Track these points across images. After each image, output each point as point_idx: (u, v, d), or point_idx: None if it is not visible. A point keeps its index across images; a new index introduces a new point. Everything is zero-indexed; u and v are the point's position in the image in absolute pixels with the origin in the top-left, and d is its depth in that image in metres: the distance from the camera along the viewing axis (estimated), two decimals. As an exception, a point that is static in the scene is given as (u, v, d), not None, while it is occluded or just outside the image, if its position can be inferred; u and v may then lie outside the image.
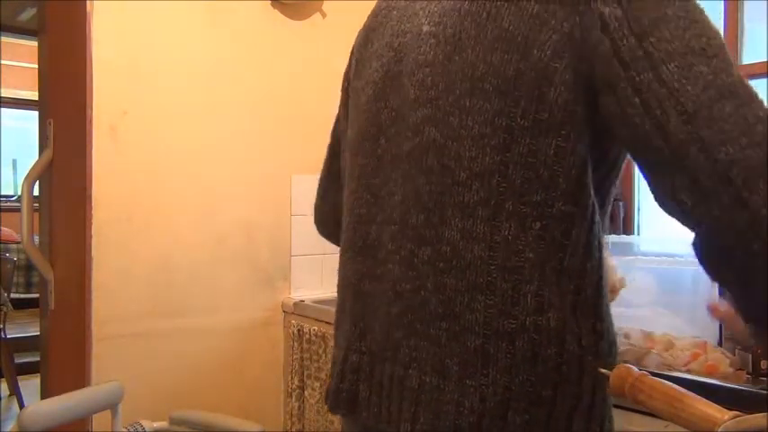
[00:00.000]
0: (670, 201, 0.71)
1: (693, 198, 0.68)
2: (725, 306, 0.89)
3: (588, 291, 0.79)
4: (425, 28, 0.87)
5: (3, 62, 5.68)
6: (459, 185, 0.80)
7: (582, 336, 0.78)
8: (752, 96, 0.69)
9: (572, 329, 0.78)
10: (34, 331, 2.97)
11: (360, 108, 0.97)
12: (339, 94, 1.11)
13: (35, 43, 2.52)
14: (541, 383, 0.77)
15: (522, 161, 0.77)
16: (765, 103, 0.70)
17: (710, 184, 0.66)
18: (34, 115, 2.54)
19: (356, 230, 0.94)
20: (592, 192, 0.79)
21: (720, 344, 1.46)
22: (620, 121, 0.74)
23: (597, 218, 0.80)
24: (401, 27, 0.92)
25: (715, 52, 0.72)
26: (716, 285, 1.48)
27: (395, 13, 0.95)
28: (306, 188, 2.41)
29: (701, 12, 0.77)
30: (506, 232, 0.78)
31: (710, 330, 1.52)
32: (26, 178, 2.18)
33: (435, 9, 0.87)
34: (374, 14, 1.01)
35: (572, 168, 0.77)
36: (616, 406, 1.26)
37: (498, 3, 0.80)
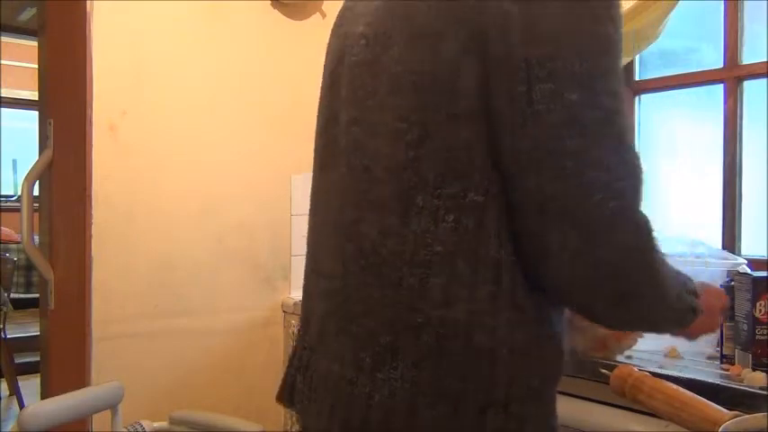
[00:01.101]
0: None
1: (516, 217, 0.81)
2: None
3: (506, 280, 0.78)
4: (359, 29, 0.89)
5: (3, 62, 5.68)
6: (376, 182, 0.82)
7: (496, 328, 0.78)
8: (606, 135, 0.77)
9: (482, 322, 0.78)
10: (34, 331, 2.97)
11: (317, 111, 1.01)
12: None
13: (35, 43, 2.52)
14: (449, 377, 0.77)
15: (435, 155, 0.78)
16: (621, 139, 0.77)
17: (530, 210, 0.79)
18: (34, 115, 2.54)
19: (309, 229, 0.99)
20: (503, 182, 0.79)
21: (721, 340, 1.46)
22: (500, 124, 0.78)
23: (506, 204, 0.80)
24: (346, 29, 0.95)
25: (595, 77, 0.76)
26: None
27: (348, 13, 0.98)
28: (306, 188, 2.41)
29: (605, 23, 0.76)
30: (416, 226, 0.79)
31: (710, 330, 1.52)
32: (26, 178, 2.18)
33: (368, 10, 0.89)
34: (338, 15, 1.04)
35: (480, 159, 0.78)
36: (616, 406, 1.26)
37: (411, 4, 0.82)
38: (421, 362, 0.78)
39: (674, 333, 0.98)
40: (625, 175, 0.76)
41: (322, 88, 0.99)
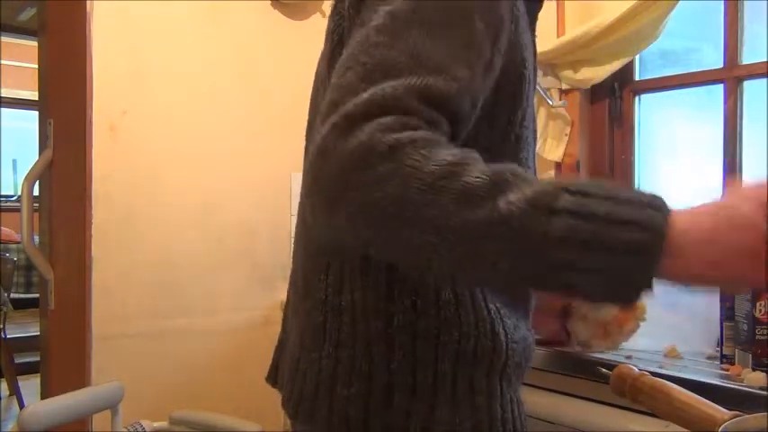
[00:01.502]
0: None
1: None
2: None
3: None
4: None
5: (3, 62, 5.68)
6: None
7: (395, 314, 0.79)
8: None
9: (378, 308, 0.80)
10: (34, 331, 2.96)
11: None
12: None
13: (35, 43, 2.52)
14: (360, 358, 0.80)
15: None
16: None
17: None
18: (34, 115, 2.54)
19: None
20: None
21: (721, 340, 1.46)
22: None
23: None
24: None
25: (357, 63, 0.70)
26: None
27: None
28: (306, 188, 2.42)
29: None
30: None
31: (710, 325, 1.52)
32: (26, 178, 2.18)
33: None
34: None
35: None
36: (616, 406, 1.26)
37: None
38: (341, 342, 0.82)
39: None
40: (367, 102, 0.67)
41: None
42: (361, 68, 0.68)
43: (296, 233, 0.96)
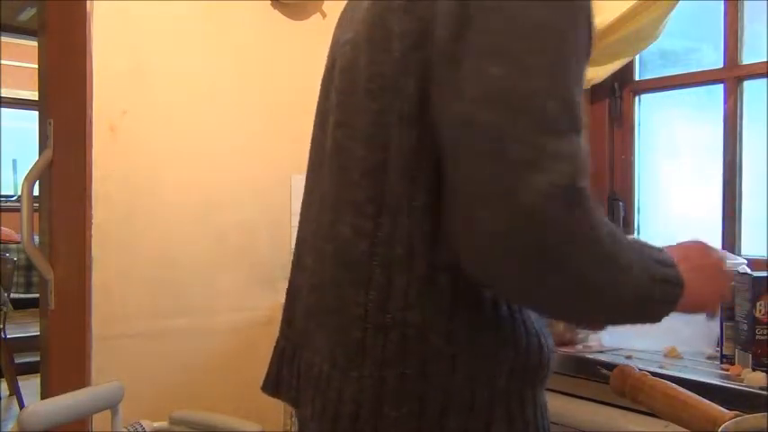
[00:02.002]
0: None
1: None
2: None
3: (464, 282, 0.78)
4: (348, 35, 0.91)
5: (3, 62, 5.68)
6: (352, 184, 0.83)
7: (453, 331, 0.78)
8: (527, 111, 0.70)
9: (439, 326, 0.78)
10: (34, 331, 2.96)
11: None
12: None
13: (35, 43, 2.52)
14: (412, 379, 0.78)
15: (396, 157, 0.79)
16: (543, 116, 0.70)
17: (452, 199, 0.76)
18: (34, 115, 2.54)
19: (298, 225, 1.02)
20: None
21: (721, 340, 1.46)
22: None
23: None
24: (338, 34, 0.97)
25: (522, 53, 0.71)
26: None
27: (345, 16, 1.00)
28: (306, 188, 2.42)
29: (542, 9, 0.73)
30: (386, 228, 0.80)
31: (710, 329, 1.52)
32: (26, 178, 2.18)
33: (357, 15, 0.90)
34: (339, 17, 1.05)
35: (429, 161, 0.78)
36: (616, 406, 1.26)
37: (385, 3, 0.82)
38: (387, 361, 0.79)
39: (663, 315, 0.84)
40: (554, 151, 0.69)
41: (319, 93, 1.02)
42: (563, 106, 0.70)
43: (317, 241, 0.91)
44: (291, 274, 1.02)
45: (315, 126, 1.00)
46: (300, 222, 1.01)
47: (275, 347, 1.02)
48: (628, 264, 0.74)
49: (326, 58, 1.01)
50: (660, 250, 0.82)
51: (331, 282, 0.85)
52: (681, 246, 0.89)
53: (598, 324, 0.90)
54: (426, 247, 0.78)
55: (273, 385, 0.99)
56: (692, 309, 0.86)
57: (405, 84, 0.78)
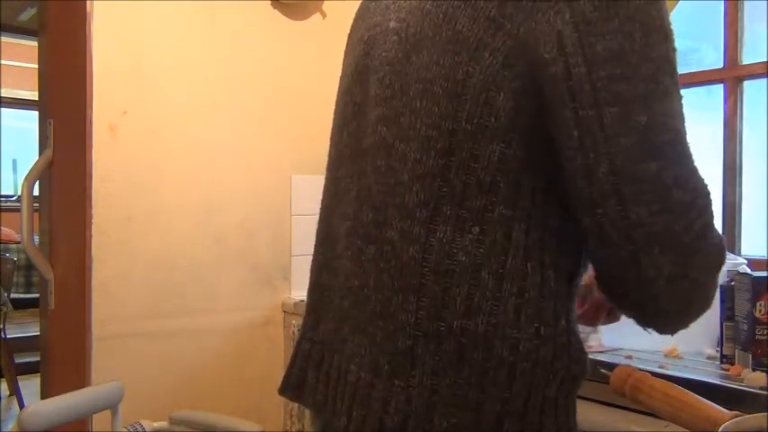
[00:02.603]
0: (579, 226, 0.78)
1: (596, 242, 0.77)
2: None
3: (531, 293, 0.77)
4: (392, 24, 0.87)
5: (3, 62, 5.68)
6: (401, 186, 0.81)
7: (520, 341, 0.77)
8: (680, 156, 0.74)
9: (504, 335, 0.77)
10: (34, 331, 2.97)
11: (336, 100, 0.99)
12: (339, 93, 1.11)
13: (35, 43, 2.52)
14: (468, 387, 0.77)
15: (465, 165, 0.77)
16: (692, 159, 0.76)
17: (615, 237, 0.74)
18: (34, 115, 2.54)
19: (321, 222, 0.98)
20: (534, 194, 0.78)
21: (721, 340, 1.46)
22: (558, 143, 0.75)
23: (541, 219, 0.79)
24: (373, 20, 0.92)
25: (659, 98, 0.73)
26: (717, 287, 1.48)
27: (372, 4, 0.96)
28: (306, 188, 2.42)
29: (662, 43, 0.75)
30: (442, 235, 0.78)
31: (711, 327, 1.52)
32: (26, 178, 2.18)
33: (403, 5, 0.87)
34: (359, 8, 1.02)
35: (512, 173, 0.77)
36: (616, 406, 1.25)
37: (456, 3, 0.79)
38: (440, 370, 0.77)
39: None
40: (702, 192, 0.76)
41: (344, 77, 0.97)
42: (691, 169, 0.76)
43: (354, 240, 0.87)
44: (316, 273, 0.97)
45: (342, 117, 0.95)
46: (326, 218, 0.97)
47: (297, 349, 0.97)
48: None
49: (354, 45, 0.96)
50: None
51: (375, 286, 0.82)
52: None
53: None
54: (497, 258, 0.77)
55: (295, 388, 0.95)
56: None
57: (492, 97, 0.75)
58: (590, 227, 0.76)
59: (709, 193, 0.78)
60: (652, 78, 0.73)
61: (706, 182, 0.77)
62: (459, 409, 0.77)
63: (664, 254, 0.73)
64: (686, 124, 0.76)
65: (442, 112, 0.78)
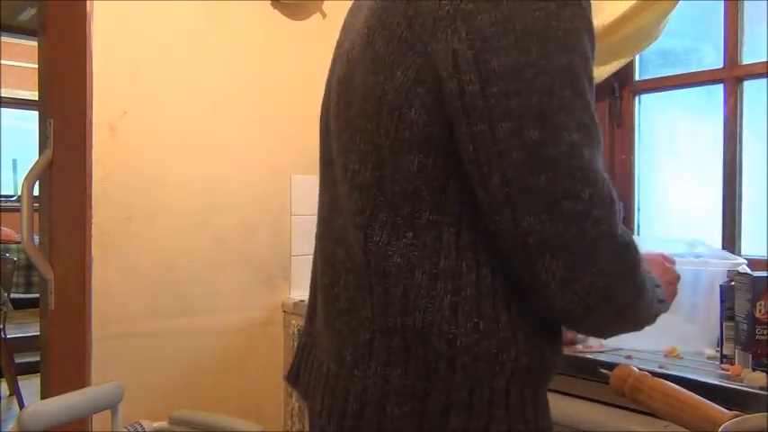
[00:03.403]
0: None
1: (499, 246, 0.81)
2: None
3: (468, 290, 0.81)
4: (346, 45, 0.94)
5: (3, 62, 5.68)
6: (352, 195, 0.87)
7: (458, 336, 0.80)
8: (573, 168, 0.76)
9: (441, 330, 0.80)
10: (34, 331, 2.97)
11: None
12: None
13: (35, 43, 2.52)
14: (415, 378, 0.82)
15: (392, 176, 0.83)
16: (591, 169, 0.78)
17: (512, 242, 0.78)
18: (34, 115, 2.54)
19: (316, 227, 1.05)
20: (462, 199, 0.82)
21: (721, 340, 1.46)
22: (461, 156, 0.79)
23: (472, 221, 0.82)
24: (340, 40, 1.00)
25: (554, 112, 0.75)
26: (717, 287, 1.49)
27: (347, 22, 1.02)
28: (306, 188, 2.42)
29: (561, 54, 0.76)
30: (378, 239, 0.84)
31: (710, 329, 1.52)
32: (26, 178, 2.18)
33: (356, 24, 0.93)
34: (344, 20, 1.06)
35: (435, 181, 0.81)
36: (616, 406, 1.25)
37: (377, 26, 0.84)
38: (392, 362, 0.83)
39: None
40: (598, 202, 0.77)
41: (324, 91, 1.03)
42: (589, 158, 0.78)
43: (327, 243, 0.95)
44: (313, 270, 1.04)
45: (321, 124, 1.02)
46: (317, 223, 1.04)
47: (298, 342, 1.07)
48: (650, 291, 0.88)
49: (333, 57, 1.02)
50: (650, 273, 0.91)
51: (343, 285, 0.89)
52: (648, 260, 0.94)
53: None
54: (429, 259, 0.81)
55: (294, 377, 1.03)
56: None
57: (405, 113, 0.80)
58: (493, 232, 0.80)
59: (611, 202, 0.79)
60: (547, 92, 0.75)
61: (610, 190, 0.79)
62: (409, 398, 0.82)
63: (555, 259, 0.77)
64: (592, 132, 0.78)
65: (372, 127, 0.84)
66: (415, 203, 0.82)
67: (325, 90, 1.01)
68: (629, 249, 0.81)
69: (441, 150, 0.80)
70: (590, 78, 0.79)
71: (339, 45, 1.00)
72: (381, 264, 0.83)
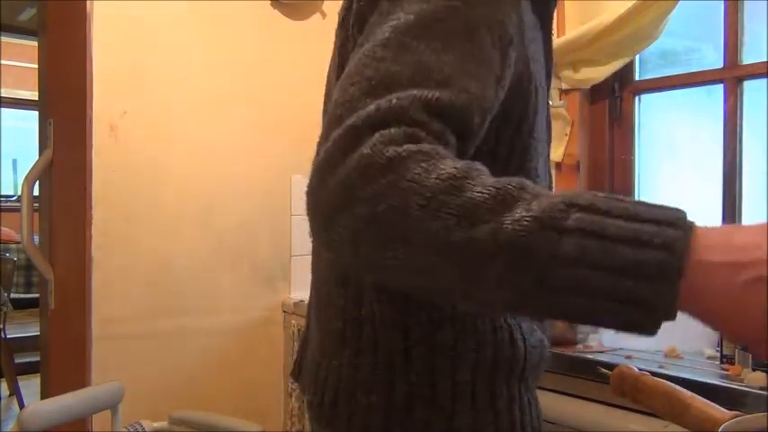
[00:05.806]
0: None
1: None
2: None
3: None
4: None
5: (3, 62, 5.68)
6: None
7: (410, 328, 0.80)
8: (340, 137, 0.62)
9: (395, 321, 0.81)
10: (34, 331, 2.97)
11: None
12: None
13: (35, 43, 2.52)
14: (383, 368, 0.82)
15: None
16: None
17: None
18: (34, 115, 2.54)
19: None
20: None
21: (721, 340, 1.46)
22: None
23: None
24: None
25: (361, 78, 0.66)
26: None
27: None
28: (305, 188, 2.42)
29: (414, 3, 0.70)
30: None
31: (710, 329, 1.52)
32: (26, 178, 2.18)
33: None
34: None
35: None
36: (616, 406, 1.25)
37: (340, 14, 0.87)
38: (361, 351, 0.83)
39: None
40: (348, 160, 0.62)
41: None
42: (366, 83, 0.65)
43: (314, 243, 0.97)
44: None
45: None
46: None
47: (301, 338, 1.08)
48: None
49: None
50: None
51: (325, 279, 0.90)
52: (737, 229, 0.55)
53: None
54: None
55: (297, 371, 1.04)
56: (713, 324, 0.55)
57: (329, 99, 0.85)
58: None
59: (364, 166, 0.60)
60: (370, 61, 0.67)
61: (370, 152, 0.60)
62: (377, 387, 0.82)
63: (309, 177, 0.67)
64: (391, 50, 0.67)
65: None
66: None
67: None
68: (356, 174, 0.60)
69: None
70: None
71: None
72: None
